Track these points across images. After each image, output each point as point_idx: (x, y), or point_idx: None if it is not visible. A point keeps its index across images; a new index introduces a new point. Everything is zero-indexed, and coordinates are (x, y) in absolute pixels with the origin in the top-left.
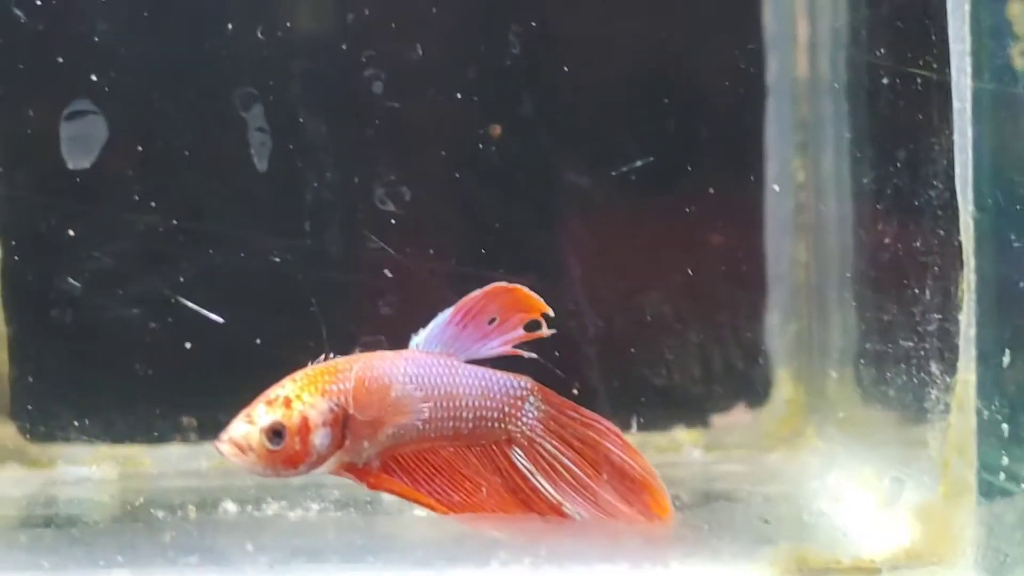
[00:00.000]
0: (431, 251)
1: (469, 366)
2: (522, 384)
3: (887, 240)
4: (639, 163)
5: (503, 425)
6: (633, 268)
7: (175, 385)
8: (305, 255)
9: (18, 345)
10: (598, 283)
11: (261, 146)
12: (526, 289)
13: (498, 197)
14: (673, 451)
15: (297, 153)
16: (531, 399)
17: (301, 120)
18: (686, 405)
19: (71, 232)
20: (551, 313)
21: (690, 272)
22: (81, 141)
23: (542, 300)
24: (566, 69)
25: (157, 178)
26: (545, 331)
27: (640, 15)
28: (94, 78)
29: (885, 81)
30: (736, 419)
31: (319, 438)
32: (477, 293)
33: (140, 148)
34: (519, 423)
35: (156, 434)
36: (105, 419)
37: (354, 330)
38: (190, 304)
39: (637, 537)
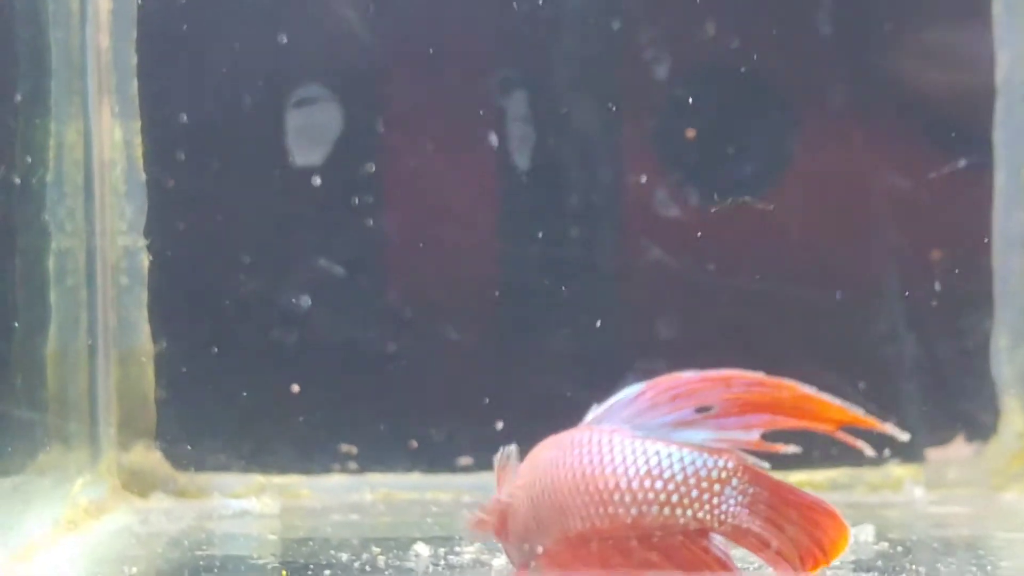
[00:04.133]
0: (719, 264)
1: (644, 442)
2: (722, 464)
3: None
4: (962, 164)
5: (692, 513)
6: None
7: (332, 409)
8: (569, 266)
9: (165, 364)
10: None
11: (522, 140)
12: (813, 392)
13: (800, 201)
14: (889, 488)
15: (564, 147)
16: (734, 482)
17: (567, 110)
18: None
19: (228, 240)
20: (877, 425)
21: (908, 290)
22: (311, 132)
23: (851, 409)
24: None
25: (390, 178)
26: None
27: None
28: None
29: None
30: (956, 453)
31: None
32: (695, 376)
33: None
34: (717, 510)
35: (313, 463)
36: (257, 446)
37: (627, 355)
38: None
39: None
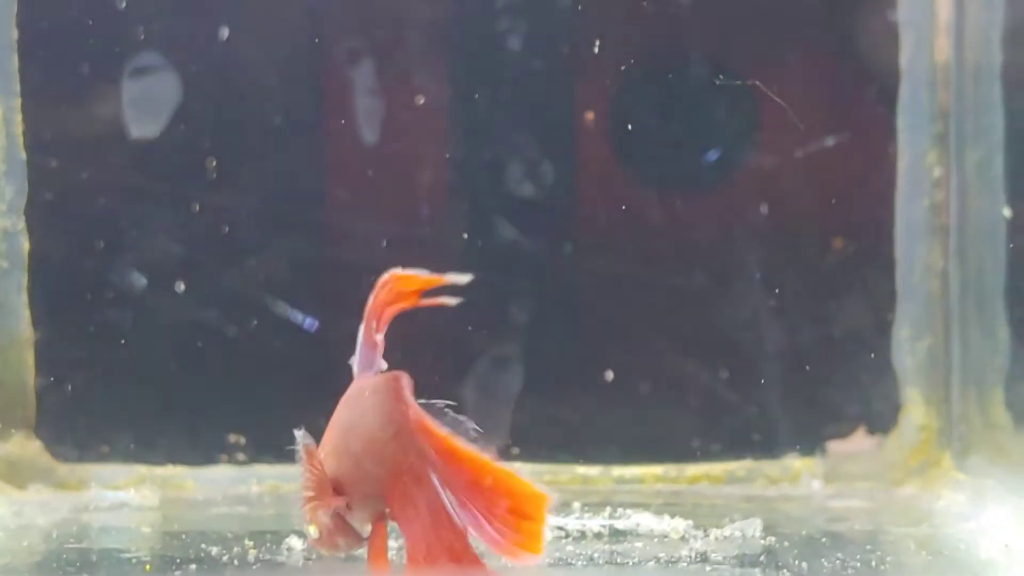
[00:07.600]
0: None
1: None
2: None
3: None
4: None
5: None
6: (737, 272)
7: (221, 398)
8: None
9: (45, 351)
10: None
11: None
12: (412, 272)
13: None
14: (788, 482)
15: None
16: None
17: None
18: (800, 430)
19: (113, 222)
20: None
21: (809, 280)
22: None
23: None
24: None
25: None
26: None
27: None
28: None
29: None
30: (857, 446)
31: None
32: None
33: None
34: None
35: (200, 454)
36: (141, 436)
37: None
38: (280, 307)
39: None
